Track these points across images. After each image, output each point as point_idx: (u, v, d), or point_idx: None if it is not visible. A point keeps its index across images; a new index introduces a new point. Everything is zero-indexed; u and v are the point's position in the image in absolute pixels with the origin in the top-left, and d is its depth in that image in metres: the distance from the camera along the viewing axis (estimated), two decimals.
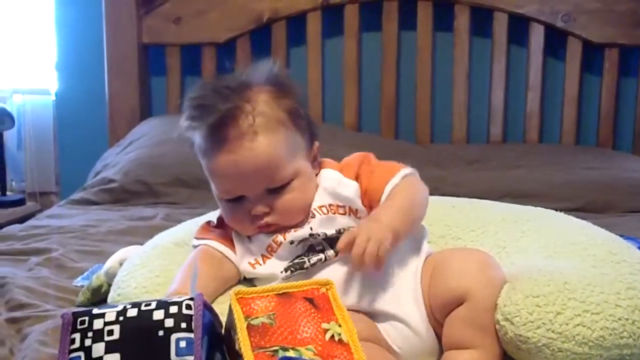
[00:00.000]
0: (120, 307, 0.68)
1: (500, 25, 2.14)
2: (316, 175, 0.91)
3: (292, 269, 0.86)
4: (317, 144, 0.92)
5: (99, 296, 1.06)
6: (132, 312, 0.67)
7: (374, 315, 0.86)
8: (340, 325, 0.69)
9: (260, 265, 0.89)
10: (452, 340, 0.82)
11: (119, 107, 2.23)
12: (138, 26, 2.20)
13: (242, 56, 2.21)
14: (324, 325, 0.69)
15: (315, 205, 0.88)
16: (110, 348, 0.65)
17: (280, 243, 0.87)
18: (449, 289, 0.82)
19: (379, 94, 2.20)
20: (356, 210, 0.90)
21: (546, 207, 1.10)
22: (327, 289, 0.73)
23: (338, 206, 0.89)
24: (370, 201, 0.90)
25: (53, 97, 2.45)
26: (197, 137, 0.87)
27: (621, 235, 1.01)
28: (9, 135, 2.52)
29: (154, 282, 0.91)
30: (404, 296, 0.86)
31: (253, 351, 0.65)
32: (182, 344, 0.65)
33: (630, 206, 1.71)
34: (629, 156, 2.07)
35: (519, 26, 2.15)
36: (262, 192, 0.86)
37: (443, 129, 2.21)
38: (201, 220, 1.03)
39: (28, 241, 1.45)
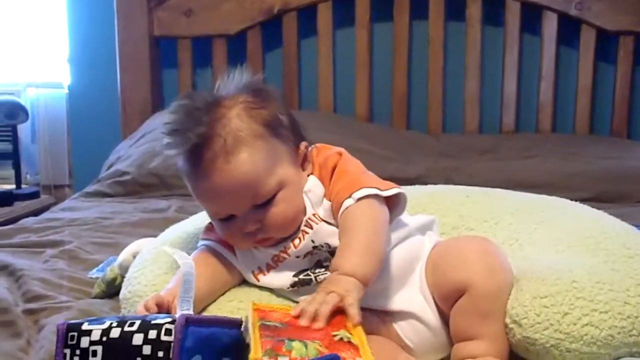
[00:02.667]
0: (106, 324, 0.68)
1: (512, 14, 2.13)
2: (310, 174, 0.88)
3: (299, 285, 0.85)
4: (303, 144, 0.88)
5: (113, 288, 1.07)
6: (115, 333, 0.66)
7: (385, 313, 0.85)
8: (351, 334, 0.69)
9: (265, 275, 0.87)
10: (458, 332, 0.82)
11: (131, 100, 2.24)
12: (149, 19, 2.21)
13: (253, 48, 2.22)
14: (334, 333, 0.69)
15: (309, 214, 0.85)
16: None
17: (285, 259, 0.86)
18: (448, 280, 0.81)
19: (391, 85, 2.19)
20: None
21: (560, 197, 1.08)
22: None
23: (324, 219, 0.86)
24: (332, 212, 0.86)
25: (66, 91, 2.47)
26: (179, 162, 0.85)
27: (636, 226, 0.99)
28: (23, 129, 2.54)
29: (162, 279, 0.91)
30: (413, 291, 0.86)
31: (261, 338, 0.66)
32: None
33: None
34: None
35: (531, 14, 2.13)
36: (250, 208, 0.83)
37: (455, 120, 2.20)
38: None
39: (43, 233, 1.47)
